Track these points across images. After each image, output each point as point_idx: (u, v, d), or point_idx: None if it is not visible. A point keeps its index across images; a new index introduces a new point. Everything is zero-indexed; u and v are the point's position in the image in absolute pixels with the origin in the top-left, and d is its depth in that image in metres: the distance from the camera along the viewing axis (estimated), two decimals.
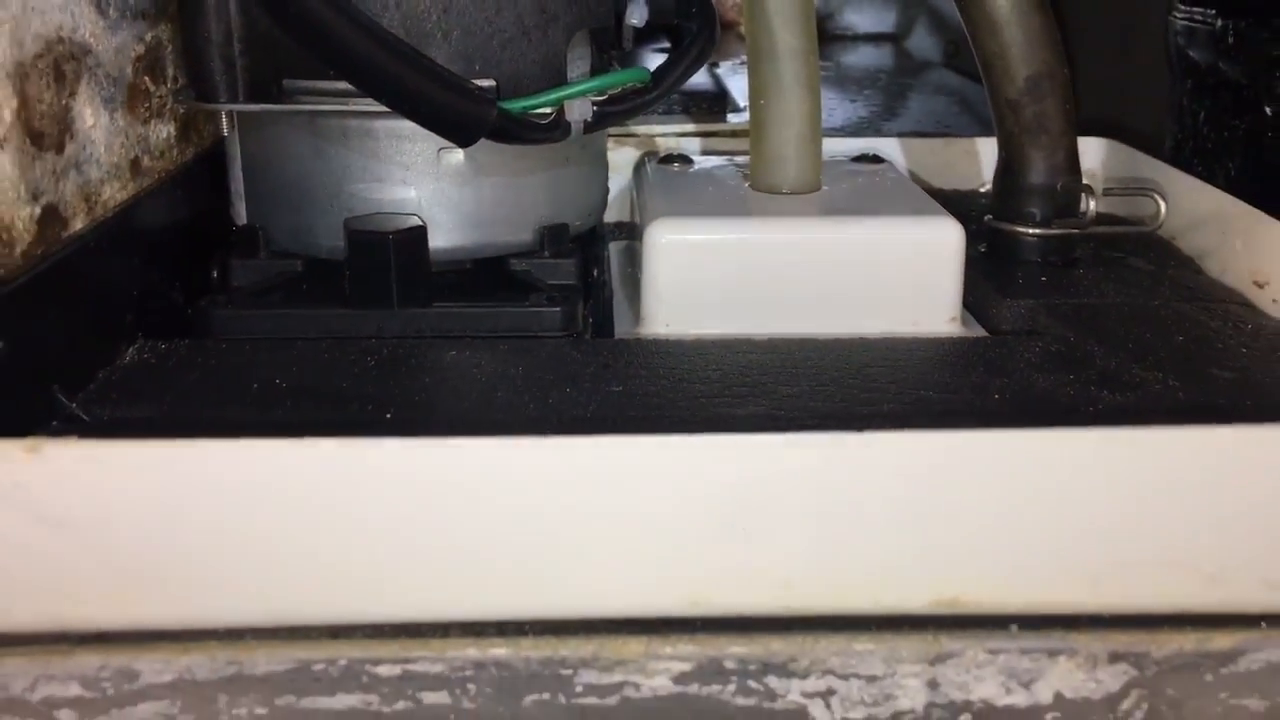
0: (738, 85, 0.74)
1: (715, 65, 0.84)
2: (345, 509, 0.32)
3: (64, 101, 0.40)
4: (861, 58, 1.01)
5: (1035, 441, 0.33)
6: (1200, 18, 0.61)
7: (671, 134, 0.66)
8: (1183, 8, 0.63)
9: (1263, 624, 0.34)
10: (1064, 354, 0.43)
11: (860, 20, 1.09)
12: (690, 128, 0.68)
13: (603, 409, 0.38)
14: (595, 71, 0.48)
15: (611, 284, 0.54)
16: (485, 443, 0.32)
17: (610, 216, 0.61)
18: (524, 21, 0.45)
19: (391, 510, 0.32)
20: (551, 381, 0.40)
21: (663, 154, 0.58)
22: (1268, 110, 0.56)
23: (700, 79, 0.63)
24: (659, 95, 0.48)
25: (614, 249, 0.59)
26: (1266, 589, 0.34)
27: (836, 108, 0.78)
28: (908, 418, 0.37)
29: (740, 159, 0.55)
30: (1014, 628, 0.34)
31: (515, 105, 0.44)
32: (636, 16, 0.49)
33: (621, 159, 0.63)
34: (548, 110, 0.45)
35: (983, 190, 0.64)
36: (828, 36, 1.09)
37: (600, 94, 0.46)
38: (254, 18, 0.45)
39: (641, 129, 0.65)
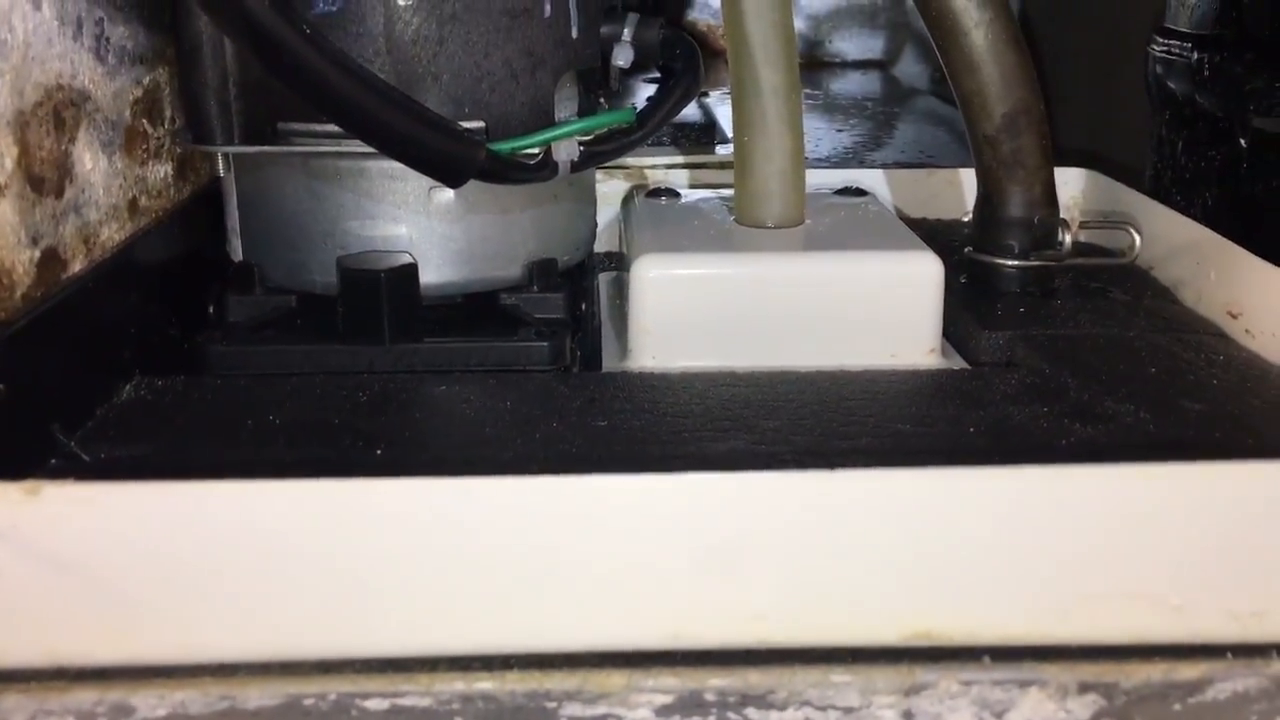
0: (727, 115, 0.75)
1: (704, 95, 0.85)
2: (334, 547, 0.33)
3: (63, 147, 0.41)
4: (849, 85, 1.02)
5: (1006, 478, 0.34)
6: (1176, 50, 0.63)
7: (661, 165, 0.68)
8: (1160, 40, 0.65)
9: (1229, 654, 0.35)
10: (1039, 386, 0.44)
11: (849, 48, 1.10)
12: (679, 159, 0.69)
13: (587, 445, 0.39)
14: (582, 112, 0.49)
15: (600, 316, 0.55)
16: (471, 482, 0.33)
17: (600, 247, 0.62)
18: (512, 65, 0.47)
19: (380, 548, 0.33)
20: (539, 416, 0.41)
21: (651, 187, 0.59)
22: (1242, 142, 0.58)
23: (689, 111, 0.64)
24: (644, 135, 0.49)
25: (603, 280, 0.60)
26: (1232, 620, 0.35)
27: (823, 138, 0.79)
28: (883, 453, 0.38)
29: (726, 192, 0.56)
30: (986, 659, 0.34)
31: (503, 146, 0.45)
32: (623, 58, 0.50)
33: (611, 191, 0.64)
34: (535, 151, 0.46)
35: (965, 219, 0.65)
36: (817, 64, 1.10)
37: (587, 134, 0.47)
38: (248, 63, 0.46)
39: (631, 161, 0.66)
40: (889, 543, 0.34)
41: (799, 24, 1.09)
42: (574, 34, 0.48)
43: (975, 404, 0.42)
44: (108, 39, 0.44)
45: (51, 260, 0.40)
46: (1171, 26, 0.64)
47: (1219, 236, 0.52)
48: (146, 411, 0.42)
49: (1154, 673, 0.34)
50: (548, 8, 0.47)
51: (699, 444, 0.39)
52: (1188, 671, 0.34)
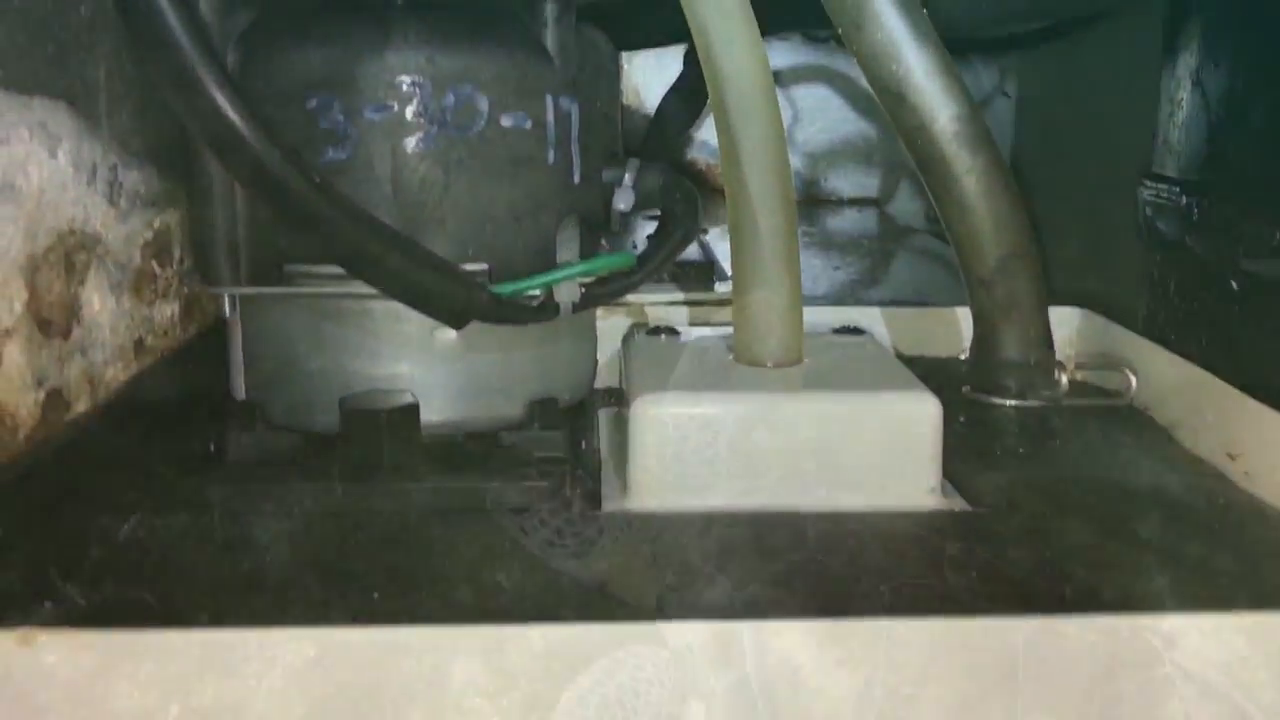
0: (726, 253, 0.76)
1: (704, 233, 0.87)
2: (330, 694, 0.33)
3: (73, 290, 0.42)
4: (845, 223, 1.04)
5: (1007, 630, 0.34)
6: (1165, 195, 0.64)
7: (661, 303, 0.68)
8: (1149, 184, 0.66)
9: None
10: (1038, 530, 0.44)
11: (844, 185, 1.13)
12: (679, 296, 0.70)
13: (583, 590, 0.39)
14: (584, 254, 0.50)
15: (601, 452, 0.55)
16: (462, 630, 0.33)
17: (601, 383, 0.63)
18: (516, 209, 0.48)
19: (375, 694, 0.33)
20: (536, 559, 0.41)
21: (650, 326, 0.60)
22: (1234, 285, 0.58)
23: (688, 249, 0.65)
24: (643, 278, 0.50)
25: (604, 416, 0.60)
26: None
27: (820, 275, 0.80)
28: (885, 601, 0.38)
29: (725, 331, 0.57)
30: None
31: (505, 289, 0.46)
32: (624, 202, 0.51)
33: (611, 327, 0.65)
34: (537, 292, 0.47)
35: (962, 357, 0.66)
36: (813, 200, 1.12)
37: (587, 277, 0.48)
38: (257, 207, 0.47)
39: (631, 298, 0.67)
40: (888, 696, 0.34)
41: (795, 162, 1.12)
42: (576, 180, 0.49)
43: (974, 549, 0.42)
44: (121, 184, 0.46)
45: (56, 401, 0.40)
46: (1159, 171, 0.66)
47: (1215, 378, 0.53)
48: (144, 552, 0.41)
49: None
50: (551, 155, 0.48)
51: (696, 590, 0.39)
52: None
